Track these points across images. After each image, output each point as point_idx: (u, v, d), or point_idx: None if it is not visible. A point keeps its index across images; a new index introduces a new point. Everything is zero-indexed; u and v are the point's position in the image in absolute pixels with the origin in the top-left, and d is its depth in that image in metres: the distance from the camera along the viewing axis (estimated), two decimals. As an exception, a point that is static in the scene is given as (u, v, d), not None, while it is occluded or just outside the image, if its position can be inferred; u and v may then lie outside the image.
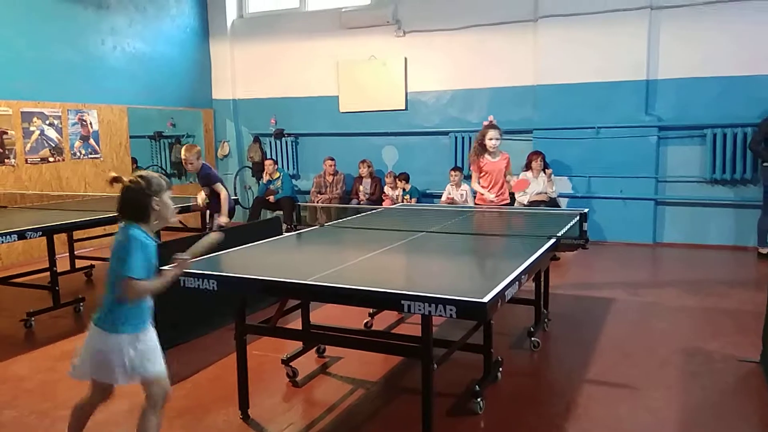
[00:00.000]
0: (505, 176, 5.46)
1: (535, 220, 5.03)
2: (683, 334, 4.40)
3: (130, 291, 2.33)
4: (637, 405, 3.29)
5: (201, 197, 5.73)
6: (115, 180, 2.50)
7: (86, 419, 2.65)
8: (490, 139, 5.32)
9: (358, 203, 8.51)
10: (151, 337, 2.48)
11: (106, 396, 2.60)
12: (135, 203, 2.42)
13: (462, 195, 7.93)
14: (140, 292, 2.36)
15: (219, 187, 5.56)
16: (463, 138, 8.54)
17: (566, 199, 7.96)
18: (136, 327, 2.41)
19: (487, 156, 5.38)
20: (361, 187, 8.77)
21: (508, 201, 5.58)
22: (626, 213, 7.74)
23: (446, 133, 8.71)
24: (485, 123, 5.44)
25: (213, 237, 2.70)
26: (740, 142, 7.17)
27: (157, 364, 2.47)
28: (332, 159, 8.92)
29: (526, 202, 7.49)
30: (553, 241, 3.59)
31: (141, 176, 2.45)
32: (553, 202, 7.53)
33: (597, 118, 7.74)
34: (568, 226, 4.06)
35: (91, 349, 2.43)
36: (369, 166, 8.78)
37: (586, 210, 4.07)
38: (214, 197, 5.61)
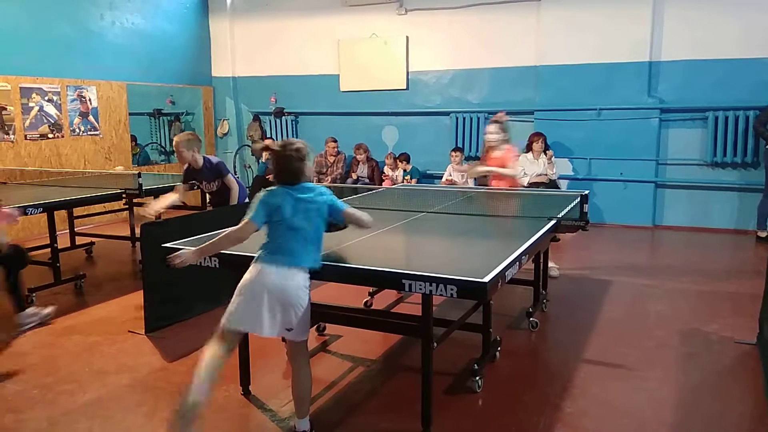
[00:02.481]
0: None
1: (536, 201, 5.03)
2: (681, 316, 4.44)
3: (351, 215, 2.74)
4: (633, 385, 3.33)
5: (162, 203, 4.80)
6: (266, 149, 2.65)
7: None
8: (487, 133, 5.36)
9: (355, 182, 8.49)
10: None
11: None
12: (296, 168, 2.63)
13: (463, 176, 7.91)
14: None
15: (230, 179, 4.89)
16: (464, 118, 8.50)
17: (567, 181, 7.95)
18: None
19: (492, 152, 5.34)
20: (356, 172, 8.72)
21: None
22: (626, 195, 7.74)
23: (447, 114, 8.67)
24: (492, 118, 5.45)
25: None
26: (742, 125, 7.15)
27: None
28: (335, 140, 8.87)
29: (526, 184, 7.47)
30: (553, 222, 3.59)
31: (298, 144, 2.65)
32: (552, 184, 7.52)
33: (599, 99, 7.70)
34: (568, 208, 4.07)
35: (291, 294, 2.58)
36: (365, 151, 8.73)
37: (586, 192, 4.06)
38: (223, 191, 4.94)
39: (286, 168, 2.64)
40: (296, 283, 2.56)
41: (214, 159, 4.92)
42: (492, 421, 3.00)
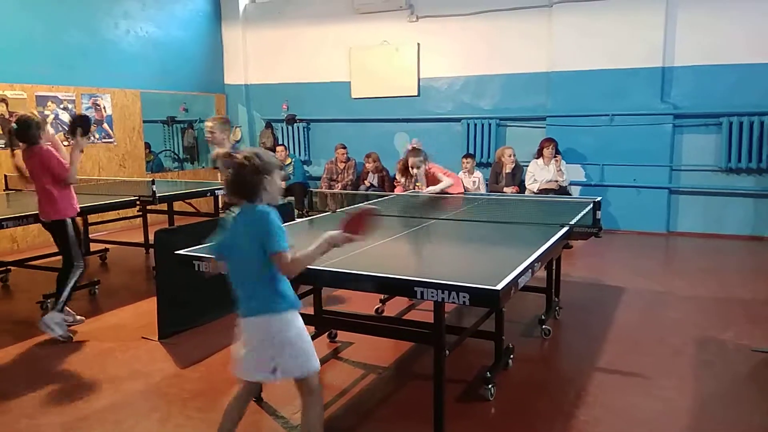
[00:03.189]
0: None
1: (548, 208, 5.01)
2: (696, 324, 4.39)
3: (285, 266, 2.26)
4: (648, 393, 3.29)
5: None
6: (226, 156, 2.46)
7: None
8: (412, 167, 5.56)
9: (367, 189, 8.49)
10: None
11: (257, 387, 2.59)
12: (246, 183, 2.29)
13: (474, 182, 7.89)
14: (297, 267, 2.30)
15: None
16: (475, 125, 8.49)
17: (579, 188, 7.91)
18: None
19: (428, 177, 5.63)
20: (366, 182, 8.71)
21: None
22: (640, 202, 7.68)
23: (459, 120, 8.66)
24: (408, 147, 5.70)
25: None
26: (757, 130, 7.07)
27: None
28: (344, 147, 8.89)
29: (536, 190, 7.45)
30: (565, 229, 3.57)
31: (254, 154, 2.32)
32: (563, 191, 7.47)
33: (611, 105, 7.66)
34: (581, 215, 4.04)
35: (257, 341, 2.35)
36: (375, 161, 8.71)
37: (599, 198, 4.04)
38: None
39: (237, 182, 2.32)
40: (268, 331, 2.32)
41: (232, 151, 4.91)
42: (505, 429, 2.98)
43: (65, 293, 4.26)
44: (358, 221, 2.38)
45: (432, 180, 5.58)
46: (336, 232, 2.35)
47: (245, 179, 2.28)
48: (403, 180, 8.47)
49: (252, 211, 2.30)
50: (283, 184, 9.39)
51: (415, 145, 5.59)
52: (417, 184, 5.60)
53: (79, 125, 4.30)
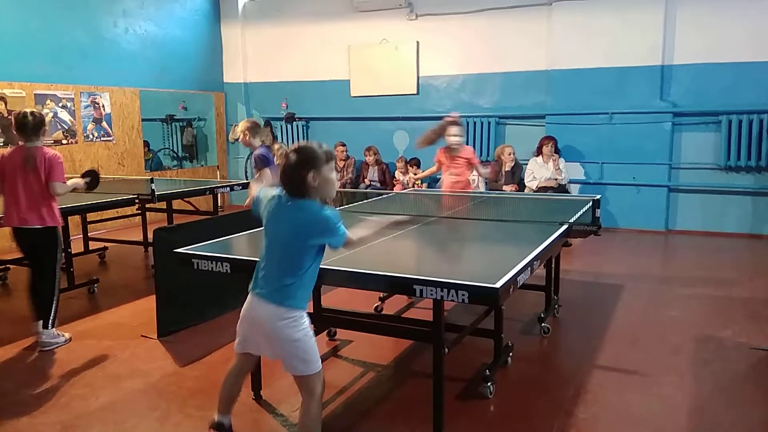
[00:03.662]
0: (472, 168, 5.41)
1: (548, 206, 5.00)
2: (695, 322, 4.39)
3: (351, 246, 2.38)
4: (647, 391, 3.30)
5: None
6: (87, 175, 2.41)
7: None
8: (451, 135, 5.23)
9: (366, 188, 8.49)
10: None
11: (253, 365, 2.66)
12: (290, 178, 2.28)
13: (473, 180, 7.88)
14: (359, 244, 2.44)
15: (264, 171, 5.08)
16: (475, 123, 8.49)
17: (578, 186, 7.91)
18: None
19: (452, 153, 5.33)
20: (367, 175, 8.73)
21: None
22: (639, 200, 7.68)
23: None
24: (447, 118, 5.31)
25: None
26: (756, 128, 7.07)
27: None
28: (343, 144, 8.90)
29: (535, 188, 7.45)
30: (565, 227, 3.58)
31: (296, 148, 2.30)
32: (562, 189, 7.48)
33: (611, 103, 7.66)
34: (580, 213, 4.04)
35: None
36: (375, 154, 8.74)
37: (598, 196, 4.04)
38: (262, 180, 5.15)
39: (283, 177, 2.33)
40: (277, 320, 2.34)
41: (258, 151, 5.20)
42: (504, 427, 2.98)
43: (54, 307, 4.06)
44: None
45: (465, 163, 5.31)
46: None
47: (288, 174, 2.28)
48: (402, 178, 8.50)
49: (302, 208, 2.28)
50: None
51: (455, 117, 5.32)
52: (453, 153, 5.27)
53: (89, 177, 4.27)
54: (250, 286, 2.44)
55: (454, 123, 5.24)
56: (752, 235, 7.28)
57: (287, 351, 2.36)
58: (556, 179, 7.47)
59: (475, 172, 5.57)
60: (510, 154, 7.72)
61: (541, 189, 7.39)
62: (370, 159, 8.70)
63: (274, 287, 2.34)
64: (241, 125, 5.34)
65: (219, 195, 6.47)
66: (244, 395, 3.25)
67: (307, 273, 2.34)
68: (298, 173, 2.26)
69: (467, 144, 8.41)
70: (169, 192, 5.87)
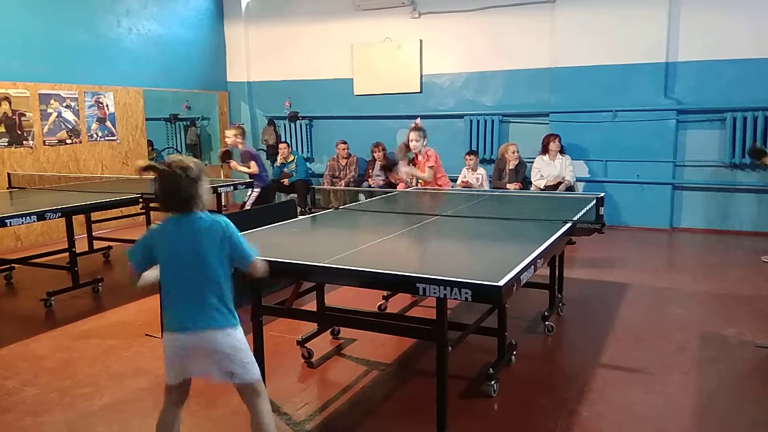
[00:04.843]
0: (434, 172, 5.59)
1: (551, 204, 4.99)
2: (699, 320, 4.38)
3: (261, 268, 2.32)
4: (651, 390, 3.29)
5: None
6: (149, 169, 2.24)
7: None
8: (410, 141, 5.50)
9: (370, 186, 8.49)
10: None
11: (185, 395, 2.44)
12: (180, 193, 2.20)
13: (478, 179, 7.89)
14: (265, 269, 2.36)
15: (251, 164, 6.85)
16: (478, 121, 8.48)
17: (582, 183, 7.89)
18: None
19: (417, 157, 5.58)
20: (371, 171, 8.74)
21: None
22: (643, 197, 7.66)
23: (461, 117, 8.64)
24: (411, 125, 5.64)
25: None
26: (761, 125, 7.04)
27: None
28: (345, 142, 8.90)
29: (542, 187, 7.43)
30: (568, 225, 3.57)
31: (178, 162, 2.22)
32: (570, 189, 7.45)
33: (614, 101, 7.63)
34: (584, 211, 4.03)
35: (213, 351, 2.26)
36: (383, 150, 8.74)
37: (602, 194, 4.03)
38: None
39: (171, 191, 2.21)
40: (215, 343, 2.23)
41: (246, 148, 6.98)
42: (508, 425, 2.98)
43: None
44: None
45: (419, 166, 5.59)
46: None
47: (181, 189, 2.19)
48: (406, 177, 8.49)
49: (200, 221, 2.23)
50: (286, 182, 9.52)
51: (418, 123, 5.64)
52: (410, 161, 5.59)
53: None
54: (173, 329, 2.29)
55: (414, 129, 5.53)
56: (757, 232, 7.24)
57: (237, 363, 2.29)
58: (563, 178, 7.45)
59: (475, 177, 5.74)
60: (514, 153, 7.70)
61: (548, 188, 7.37)
62: (378, 154, 8.69)
63: (209, 314, 2.24)
64: (234, 130, 6.88)
65: (223, 194, 6.48)
66: (248, 394, 3.25)
67: (228, 289, 2.29)
68: (192, 187, 2.21)
69: (472, 144, 8.46)
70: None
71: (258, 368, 2.38)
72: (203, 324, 2.23)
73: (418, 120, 5.73)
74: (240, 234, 2.28)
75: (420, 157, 5.56)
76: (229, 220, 2.28)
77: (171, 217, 2.26)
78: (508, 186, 7.59)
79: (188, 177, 2.20)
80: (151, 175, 2.24)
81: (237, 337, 2.28)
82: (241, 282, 2.56)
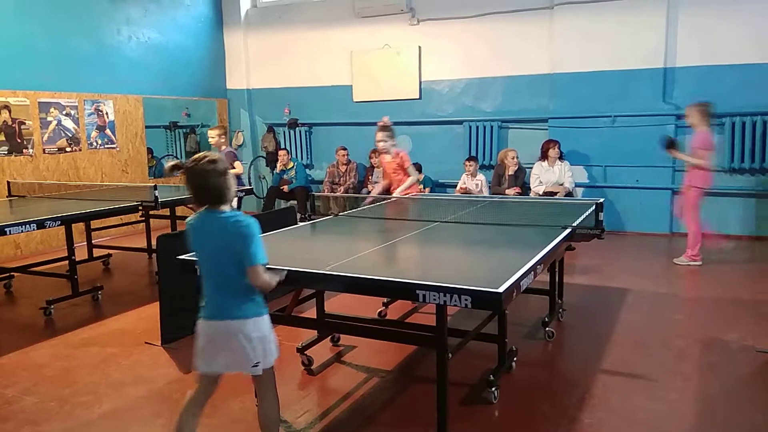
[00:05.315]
0: (404, 173, 5.37)
1: (551, 209, 4.99)
2: (700, 325, 4.37)
3: (262, 277, 2.34)
4: (653, 395, 3.28)
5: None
6: (175, 168, 2.39)
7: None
8: (378, 141, 5.31)
9: (369, 193, 8.49)
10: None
11: (215, 388, 2.54)
12: (213, 185, 2.33)
13: (477, 185, 7.89)
14: (267, 279, 2.38)
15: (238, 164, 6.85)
16: (477, 127, 8.49)
17: (582, 189, 7.89)
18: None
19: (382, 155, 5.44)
20: (371, 178, 8.74)
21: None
22: (643, 203, 7.66)
23: (460, 123, 8.66)
24: (379, 123, 5.42)
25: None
26: (759, 130, 7.05)
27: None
28: (344, 148, 8.91)
29: (541, 192, 7.44)
30: (568, 231, 3.57)
31: (207, 157, 2.35)
32: (567, 194, 7.45)
33: (613, 106, 7.65)
34: (583, 216, 4.03)
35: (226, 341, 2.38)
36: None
37: (602, 200, 4.03)
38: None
39: (200, 187, 2.35)
40: (243, 332, 2.36)
41: (228, 149, 6.89)
42: (509, 432, 2.97)
43: None
44: None
45: (397, 170, 5.34)
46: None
47: (210, 183, 2.32)
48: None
49: (233, 219, 2.33)
50: (286, 188, 9.51)
51: (386, 122, 5.39)
52: (374, 183, 5.42)
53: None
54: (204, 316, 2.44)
55: (381, 128, 5.33)
56: (757, 237, 7.24)
57: (264, 352, 2.41)
58: (562, 184, 7.45)
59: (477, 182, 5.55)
60: (513, 158, 7.71)
61: (547, 194, 7.38)
62: (376, 161, 8.68)
63: (236, 304, 2.37)
64: (218, 131, 6.84)
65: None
66: (248, 402, 3.25)
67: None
68: (221, 180, 2.34)
69: (471, 150, 8.47)
70: (172, 199, 5.89)
71: (274, 358, 2.46)
72: (231, 314, 2.36)
73: (385, 118, 5.49)
74: (259, 237, 2.33)
75: (389, 158, 5.33)
76: (253, 220, 2.34)
77: (201, 211, 2.39)
78: (507, 191, 7.59)
79: (216, 171, 2.33)
80: (178, 174, 2.37)
81: (261, 326, 2.39)
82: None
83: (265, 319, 2.43)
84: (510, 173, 7.75)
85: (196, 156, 2.37)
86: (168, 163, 2.43)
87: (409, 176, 5.34)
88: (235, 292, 2.36)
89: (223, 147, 6.82)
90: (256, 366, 2.38)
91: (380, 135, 5.30)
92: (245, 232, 2.30)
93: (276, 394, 2.53)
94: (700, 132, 6.08)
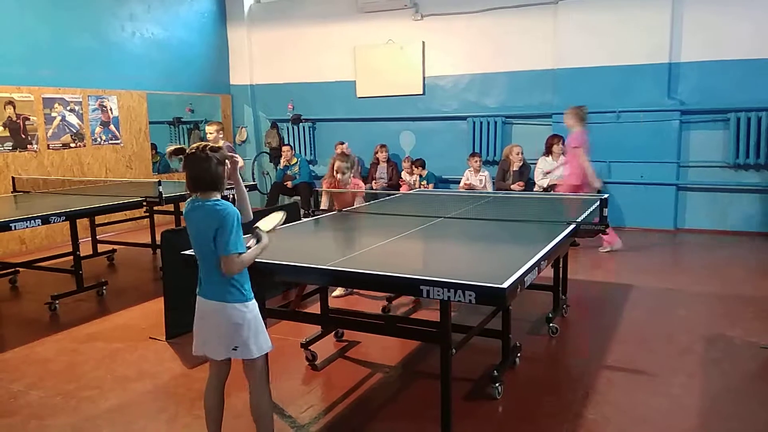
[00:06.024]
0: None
1: (555, 205, 4.99)
2: (704, 321, 4.36)
3: (236, 266, 2.38)
4: (656, 391, 3.28)
5: None
6: (177, 152, 2.48)
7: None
8: (336, 172, 5.00)
9: (372, 189, 8.49)
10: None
11: (226, 371, 2.64)
12: (211, 173, 2.41)
13: (481, 181, 7.88)
14: (243, 266, 2.43)
15: None
16: (481, 123, 8.47)
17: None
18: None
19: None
20: (376, 172, 8.73)
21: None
22: (647, 198, 7.64)
23: (464, 118, 8.64)
24: (338, 150, 5.07)
25: (280, 214, 2.78)
26: (765, 125, 7.02)
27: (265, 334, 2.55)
28: (342, 143, 8.78)
29: (546, 186, 7.42)
30: (572, 226, 3.56)
31: (211, 146, 2.44)
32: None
33: (618, 102, 7.62)
34: (588, 212, 4.02)
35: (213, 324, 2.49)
36: (387, 151, 8.73)
37: (606, 195, 4.03)
38: None
39: (197, 174, 2.42)
40: (223, 314, 2.45)
41: (226, 143, 6.66)
42: (512, 428, 2.97)
43: None
44: None
45: (345, 199, 5.04)
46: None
47: (209, 170, 2.40)
48: (408, 178, 8.49)
49: (213, 206, 2.40)
50: (290, 184, 9.52)
51: (345, 150, 5.17)
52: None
53: None
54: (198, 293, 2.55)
55: (340, 157, 5.08)
56: (760, 233, 7.22)
57: (241, 338, 2.47)
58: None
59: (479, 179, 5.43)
60: (518, 154, 7.70)
61: (551, 187, 7.36)
62: (382, 155, 8.68)
63: (216, 287, 2.46)
64: (215, 126, 6.73)
65: (230, 197, 6.49)
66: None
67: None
68: (220, 169, 2.43)
69: (475, 146, 8.46)
70: (176, 194, 5.90)
71: (263, 348, 2.52)
72: (215, 296, 2.45)
73: (344, 145, 5.15)
74: (237, 228, 2.38)
75: (347, 184, 5.04)
76: (233, 209, 2.40)
77: (193, 197, 2.46)
78: (512, 186, 7.58)
79: (217, 160, 2.41)
80: (178, 157, 2.46)
81: (243, 313, 2.44)
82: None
83: (249, 306, 2.47)
84: (515, 169, 7.73)
85: (199, 144, 2.45)
86: (170, 147, 2.51)
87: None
88: (219, 276, 2.42)
89: (221, 143, 6.69)
90: (235, 350, 2.45)
91: (340, 165, 4.97)
92: (221, 220, 2.35)
93: (267, 387, 2.60)
94: (575, 132, 6.29)
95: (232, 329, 2.44)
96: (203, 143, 2.46)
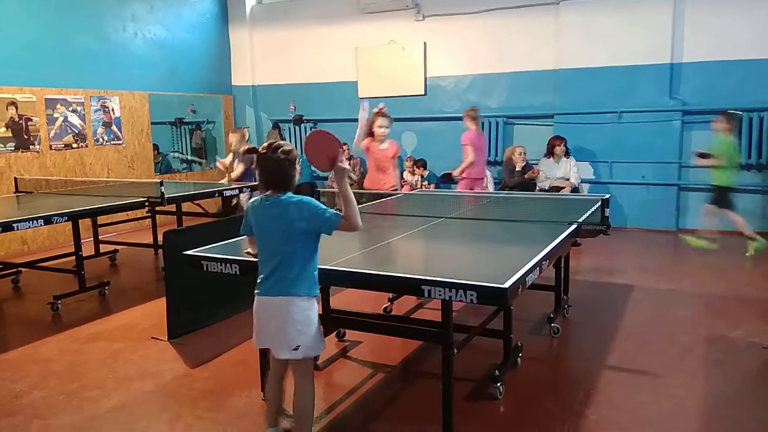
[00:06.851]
0: (392, 164, 5.46)
1: (556, 205, 4.99)
2: (706, 322, 4.36)
3: (352, 220, 2.44)
4: (658, 392, 3.28)
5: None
6: (250, 151, 2.60)
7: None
8: (379, 126, 5.32)
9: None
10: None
11: (285, 367, 2.70)
12: (283, 173, 2.46)
13: (483, 180, 7.87)
14: (355, 209, 2.46)
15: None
16: (482, 124, 8.43)
17: (588, 185, 7.87)
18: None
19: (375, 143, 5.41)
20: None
21: (395, 187, 5.54)
22: (648, 199, 7.64)
23: (466, 119, 8.63)
24: (375, 110, 5.43)
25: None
26: (766, 126, 7.01)
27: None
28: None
29: (547, 187, 7.43)
30: (574, 227, 3.56)
31: (283, 147, 2.47)
32: (573, 190, 7.44)
33: (619, 102, 7.62)
34: (589, 212, 4.03)
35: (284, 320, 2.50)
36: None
37: (608, 196, 4.02)
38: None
39: (271, 173, 2.48)
40: (289, 310, 2.48)
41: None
42: (514, 428, 2.97)
43: None
44: (318, 143, 2.57)
45: (384, 154, 5.44)
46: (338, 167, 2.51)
47: (281, 170, 2.45)
48: (410, 178, 8.49)
49: (288, 201, 2.44)
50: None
51: (383, 109, 5.41)
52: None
53: None
54: (259, 292, 2.56)
55: (381, 114, 5.35)
56: (762, 233, 7.18)
57: (307, 335, 2.51)
58: (568, 179, 7.43)
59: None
60: (521, 155, 7.71)
61: (553, 188, 7.36)
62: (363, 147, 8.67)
63: (286, 283, 2.47)
64: (238, 135, 6.56)
65: (234, 198, 6.48)
66: (254, 397, 3.27)
67: (309, 263, 2.51)
68: (293, 170, 2.47)
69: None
70: (178, 195, 5.91)
71: (320, 347, 2.60)
72: (282, 291, 2.46)
73: (382, 105, 5.49)
74: (321, 206, 2.44)
75: (386, 145, 5.36)
76: (309, 197, 2.46)
77: (265, 195, 2.51)
78: (525, 177, 7.55)
79: (288, 160, 2.45)
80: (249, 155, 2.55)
81: (307, 309, 2.49)
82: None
83: (312, 302, 2.52)
84: (518, 169, 7.74)
85: (273, 143, 2.48)
86: (244, 147, 2.60)
87: (395, 168, 5.42)
88: (296, 272, 2.45)
89: (242, 149, 6.86)
90: (296, 350, 2.48)
91: (382, 121, 5.28)
92: (306, 206, 2.41)
93: (313, 387, 2.64)
94: (468, 131, 6.59)
95: (294, 328, 2.46)
96: (278, 143, 2.48)
